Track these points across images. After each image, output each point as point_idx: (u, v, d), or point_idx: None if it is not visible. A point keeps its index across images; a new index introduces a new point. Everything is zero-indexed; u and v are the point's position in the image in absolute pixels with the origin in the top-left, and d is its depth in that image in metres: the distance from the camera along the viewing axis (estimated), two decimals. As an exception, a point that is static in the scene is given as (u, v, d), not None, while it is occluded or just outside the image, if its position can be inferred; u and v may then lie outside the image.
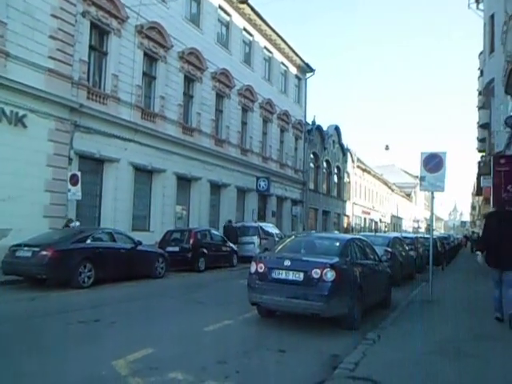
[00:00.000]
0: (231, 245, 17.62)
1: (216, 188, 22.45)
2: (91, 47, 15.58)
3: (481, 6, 25.42)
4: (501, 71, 14.57)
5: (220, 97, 22.81)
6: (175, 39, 19.05)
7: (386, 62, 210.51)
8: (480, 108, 32.39)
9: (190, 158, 20.07)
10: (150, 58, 18.19)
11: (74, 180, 13.45)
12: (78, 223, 16.27)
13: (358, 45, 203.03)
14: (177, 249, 14.97)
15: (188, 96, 20.50)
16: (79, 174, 13.61)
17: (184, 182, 20.14)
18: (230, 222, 20.23)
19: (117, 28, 16.18)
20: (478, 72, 32.36)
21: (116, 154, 16.17)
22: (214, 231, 17.46)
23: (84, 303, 8.77)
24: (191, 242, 15.15)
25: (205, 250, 15.40)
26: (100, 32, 16.00)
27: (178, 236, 15.84)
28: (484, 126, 31.19)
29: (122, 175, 16.42)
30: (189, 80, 20.44)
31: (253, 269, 7.19)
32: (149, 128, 17.61)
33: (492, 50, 20.25)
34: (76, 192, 13.46)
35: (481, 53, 28.17)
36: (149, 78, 18.28)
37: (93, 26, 15.45)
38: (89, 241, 11.10)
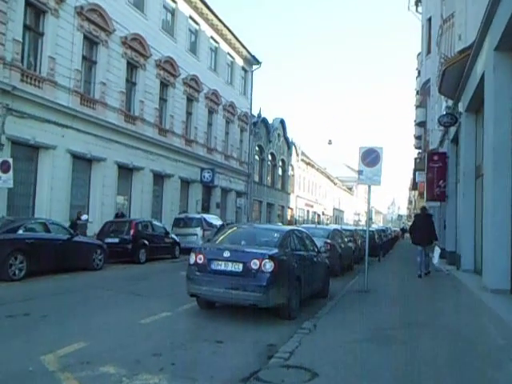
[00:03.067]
0: (174, 236, 17.40)
1: (159, 178, 22.04)
2: (26, 27, 14.70)
3: (420, 9, 26.54)
4: (436, 72, 15.27)
5: (164, 85, 22.33)
6: (118, 23, 18.40)
7: (328, 60, 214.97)
8: (417, 107, 33.93)
9: (132, 147, 19.54)
10: (91, 42, 17.46)
11: (4, 167, 12.68)
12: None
13: (304, 41, 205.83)
14: (116, 240, 14.56)
15: (131, 83, 19.90)
16: (11, 160, 12.84)
17: (126, 172, 19.59)
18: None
19: (54, 8, 15.36)
20: (416, 72, 33.79)
21: (52, 141, 15.42)
22: (155, 222, 17.15)
23: (14, 296, 8.33)
24: (132, 233, 14.79)
25: (146, 242, 15.08)
26: (36, 11, 15.13)
27: (118, 227, 15.42)
28: (420, 124, 32.74)
29: (58, 163, 15.70)
30: (132, 66, 19.85)
31: (192, 260, 7.13)
32: (88, 115, 16.94)
33: (429, 51, 21.20)
34: (7, 180, 12.72)
35: (419, 54, 29.43)
36: (89, 62, 17.56)
37: (28, 4, 14.58)
38: (20, 231, 10.53)
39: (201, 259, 7.04)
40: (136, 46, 19.61)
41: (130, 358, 4.81)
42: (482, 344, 5.41)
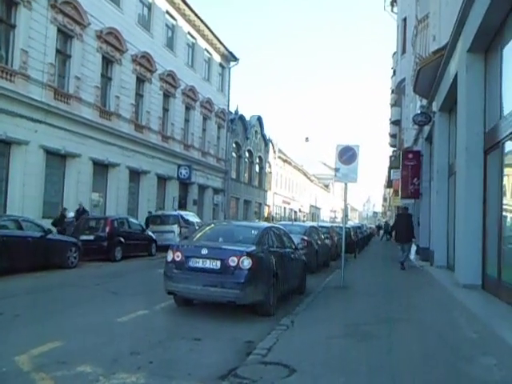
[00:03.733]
0: (150, 233, 17.25)
1: (135, 175, 21.79)
2: (-3, 18, 14.30)
3: (395, 9, 26.93)
4: (411, 72, 15.53)
5: (141, 81, 22.06)
6: (93, 17, 18.07)
7: (305, 59, 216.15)
8: (392, 105, 34.45)
9: (107, 143, 19.25)
10: (65, 35, 17.10)
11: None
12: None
13: (281, 40, 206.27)
14: (91, 237, 14.33)
15: (106, 78, 19.59)
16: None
17: (101, 168, 19.30)
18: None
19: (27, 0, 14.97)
20: (392, 71, 34.28)
21: (25, 136, 15.07)
22: (132, 219, 16.95)
23: (-16, 296, 8.11)
24: (107, 230, 14.58)
25: (122, 239, 14.90)
26: (7, 3, 14.75)
27: (93, 224, 15.18)
28: (395, 122, 33.27)
29: (31, 159, 15.35)
30: (107, 61, 19.53)
31: (169, 257, 7.09)
32: (62, 110, 16.61)
33: (404, 51, 21.54)
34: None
35: (394, 53, 29.87)
36: (63, 56, 17.20)
37: (-2, -5, 14.18)
38: (-9, 229, 10.27)
39: (178, 256, 7.01)
40: (112, 40, 19.30)
41: (106, 357, 4.75)
42: (454, 338, 5.55)
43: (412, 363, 4.69)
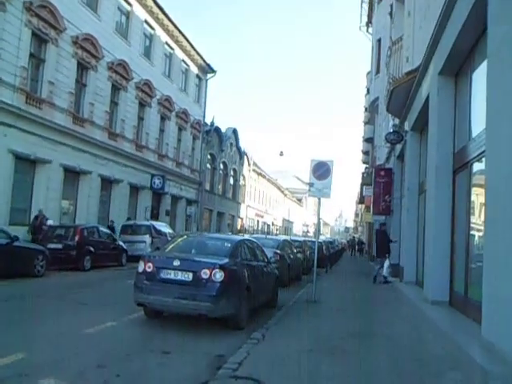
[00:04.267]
0: (121, 243, 16.96)
1: (107, 183, 21.43)
2: (-31, 19, 13.96)
3: (370, 29, 27.67)
4: (384, 91, 15.92)
5: (116, 88, 21.84)
6: (69, 22, 17.83)
7: (282, 75, 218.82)
8: (366, 123, 35.16)
9: (79, 149, 18.90)
10: (39, 39, 16.80)
11: None
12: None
13: (259, 55, 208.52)
14: (60, 246, 13.97)
15: (81, 84, 19.31)
16: None
17: (72, 175, 18.90)
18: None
19: (1, 1, 14.67)
20: (366, 90, 35.05)
21: (-7, 140, 14.64)
22: (102, 228, 16.63)
23: None
24: (76, 238, 14.25)
25: (91, 248, 14.59)
26: (-19, 3, 14.40)
27: (62, 232, 14.82)
28: (368, 140, 33.93)
29: (-1, 163, 14.90)
30: (82, 67, 19.27)
31: (140, 268, 6.97)
32: (34, 114, 16.24)
33: (378, 71, 22.09)
34: None
35: (368, 72, 30.59)
36: (37, 60, 16.88)
37: (-28, -5, 13.86)
38: (-46, 235, 9.89)
39: (150, 267, 6.90)
40: (88, 46, 19.08)
41: (72, 370, 4.62)
42: (422, 353, 5.63)
43: (381, 378, 4.73)
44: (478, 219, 6.81)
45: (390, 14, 17.67)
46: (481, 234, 6.30)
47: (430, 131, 9.22)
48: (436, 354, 5.61)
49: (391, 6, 17.25)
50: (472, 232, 7.04)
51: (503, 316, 4.50)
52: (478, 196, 6.89)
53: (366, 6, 28.14)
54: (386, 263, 14.20)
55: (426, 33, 8.97)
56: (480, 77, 6.39)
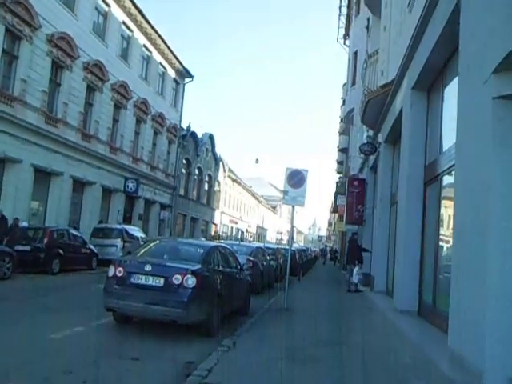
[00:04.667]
0: (91, 247, 16.64)
1: (79, 185, 21.03)
2: None
3: (347, 42, 28.17)
4: (359, 103, 16.20)
5: (91, 89, 21.52)
6: (44, 20, 17.51)
7: (260, 83, 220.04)
8: (341, 133, 35.69)
9: (51, 150, 18.50)
10: (13, 36, 16.43)
11: None
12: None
13: (238, 62, 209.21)
14: (28, 248, 13.60)
15: (55, 83, 18.95)
16: None
17: (43, 176, 18.47)
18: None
19: (-25, -4, 14.34)
20: (342, 101, 35.60)
21: (-39, 138, 14.20)
22: (72, 231, 16.28)
23: None
24: (45, 241, 13.91)
25: (60, 251, 14.26)
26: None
27: (30, 234, 14.45)
28: (343, 150, 34.44)
29: (-35, 162, 14.46)
30: (57, 66, 18.92)
31: (111, 272, 6.87)
32: (5, 112, 15.83)
33: (354, 82, 22.47)
34: None
35: (344, 84, 31.09)
36: (9, 56, 16.49)
37: None
38: None
39: (120, 272, 6.81)
40: (63, 45, 18.76)
41: (37, 376, 4.51)
42: (390, 362, 5.72)
43: (350, 387, 4.77)
44: (446, 231, 6.98)
45: (367, 27, 18.04)
46: (449, 245, 6.46)
47: (403, 144, 9.42)
48: (404, 362, 5.70)
49: (368, 19, 17.62)
50: (441, 243, 7.20)
51: (469, 326, 4.61)
52: (446, 208, 7.06)
53: (343, 19, 28.64)
54: (355, 270, 14.38)
55: (401, 48, 9.19)
56: (451, 93, 6.57)
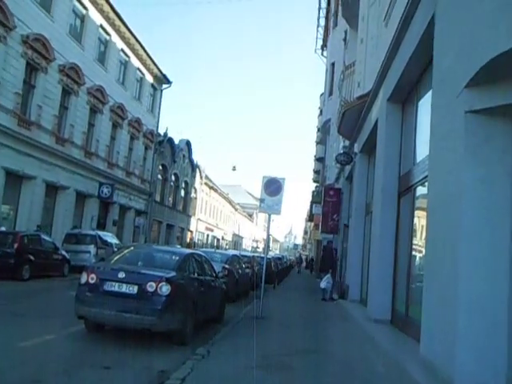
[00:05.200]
0: (63, 253, 16.28)
1: (52, 190, 20.58)
2: None
3: (325, 53, 28.56)
4: (336, 113, 16.42)
5: (67, 93, 21.18)
6: (20, 20, 17.18)
7: (238, 91, 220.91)
8: (318, 143, 36.04)
9: (24, 153, 18.07)
10: (-13, 36, 16.07)
11: None
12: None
13: (215, 71, 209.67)
14: (-4, 253, 13.21)
15: (29, 85, 18.57)
16: None
17: (14, 179, 18.01)
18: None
19: None
20: (319, 111, 36.00)
21: None
22: (44, 236, 15.91)
23: None
24: (15, 246, 13.53)
25: (31, 257, 13.90)
26: None
27: (-1, 239, 14.04)
28: (320, 159, 34.76)
29: None
30: (32, 68, 18.56)
31: (83, 279, 6.73)
32: (-24, 114, 15.44)
33: (331, 93, 22.78)
34: None
35: (322, 94, 31.47)
36: (-17, 57, 16.11)
37: None
38: None
39: (93, 279, 6.67)
40: (38, 47, 18.43)
41: (3, 386, 4.36)
42: (364, 371, 5.77)
43: (323, 395, 4.79)
44: (419, 241, 7.11)
45: (344, 39, 18.36)
46: (422, 255, 6.58)
47: (378, 154, 9.58)
48: (377, 371, 5.75)
49: (345, 32, 17.94)
50: (414, 253, 7.34)
51: (440, 335, 4.70)
52: (419, 218, 7.21)
53: (321, 30, 29.06)
54: (325, 277, 14.51)
55: (377, 60, 9.38)
56: (425, 106, 6.74)
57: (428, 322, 5.15)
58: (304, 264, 52.85)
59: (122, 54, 26.47)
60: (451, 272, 4.50)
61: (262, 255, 22.26)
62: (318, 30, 29.37)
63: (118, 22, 24.67)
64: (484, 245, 4.27)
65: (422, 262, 6.58)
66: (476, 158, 4.39)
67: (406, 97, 8.40)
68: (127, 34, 25.94)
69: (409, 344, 6.33)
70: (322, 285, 14.42)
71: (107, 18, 23.87)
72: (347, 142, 15.59)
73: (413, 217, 7.48)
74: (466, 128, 4.45)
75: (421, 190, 7.06)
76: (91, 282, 6.66)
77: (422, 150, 6.74)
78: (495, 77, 4.18)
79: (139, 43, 27.32)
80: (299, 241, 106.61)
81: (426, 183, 6.01)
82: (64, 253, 16.33)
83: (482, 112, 4.38)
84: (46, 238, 16.06)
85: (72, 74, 21.02)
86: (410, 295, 7.17)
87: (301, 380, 5.26)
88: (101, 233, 19.98)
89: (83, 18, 22.21)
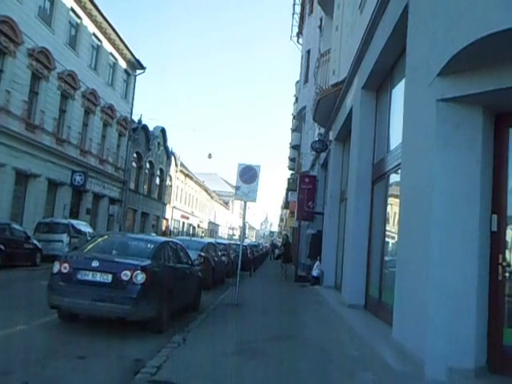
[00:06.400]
0: (35, 242, 15.93)
1: (23, 178, 20.04)
2: None
3: (301, 40, 28.50)
4: (311, 101, 16.46)
5: (37, 77, 20.53)
6: (-14, 3, 16.53)
7: (213, 79, 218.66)
8: (293, 130, 36.12)
9: (-8, 140, 17.53)
10: (-49, 18, 15.39)
11: None
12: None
13: (190, 59, 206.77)
14: (-36, 243, 12.85)
15: (-3, 70, 17.94)
16: None
17: (-18, 168, 17.48)
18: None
19: None
20: (294, 98, 36.01)
21: None
22: (14, 225, 15.52)
23: None
24: (-16, 236, 13.18)
25: (1, 246, 13.56)
26: None
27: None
28: (295, 147, 34.86)
29: None
30: (-1, 52, 17.93)
31: (56, 269, 6.61)
32: None
33: (306, 80, 22.80)
34: None
35: (297, 81, 31.46)
36: None
37: None
38: None
39: (66, 268, 6.56)
40: (6, 30, 17.75)
41: (-27, 379, 4.27)
42: (338, 355, 5.88)
43: (299, 379, 4.86)
44: (392, 227, 7.25)
45: (320, 26, 18.34)
46: (395, 241, 6.71)
47: (352, 142, 9.67)
48: (351, 355, 5.87)
49: (321, 19, 17.90)
50: (387, 239, 7.47)
51: (411, 319, 4.82)
52: (393, 205, 7.33)
53: (297, 17, 28.95)
54: (316, 264, 14.68)
55: (352, 48, 9.42)
56: (398, 94, 6.82)
57: (400, 307, 5.27)
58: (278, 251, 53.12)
59: (93, 38, 25.77)
60: (423, 258, 4.60)
61: (238, 243, 22.36)
62: (293, 17, 29.25)
63: (89, 5, 23.97)
64: (454, 231, 4.38)
65: (394, 248, 6.71)
66: (447, 145, 4.47)
67: (380, 85, 8.47)
68: (99, 18, 25.24)
69: (382, 328, 6.47)
70: (315, 273, 14.56)
71: (78, 1, 23.16)
72: (322, 130, 15.66)
73: (386, 204, 7.60)
74: (437, 116, 4.52)
75: (394, 178, 7.16)
76: (64, 271, 6.55)
77: (396, 137, 6.83)
78: (466, 66, 4.25)
79: (111, 27, 26.63)
80: (275, 228, 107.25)
81: (399, 170, 6.11)
82: (36, 242, 15.99)
83: (452, 100, 4.46)
84: (17, 226, 15.68)
85: (42, 59, 20.38)
86: (383, 281, 7.32)
87: (276, 365, 5.32)
88: (74, 221, 19.63)
89: (53, 1, 21.49)
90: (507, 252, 4.41)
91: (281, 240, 67.02)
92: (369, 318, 7.58)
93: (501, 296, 4.36)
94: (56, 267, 6.64)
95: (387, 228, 7.49)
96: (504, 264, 4.36)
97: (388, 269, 7.12)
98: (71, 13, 23.07)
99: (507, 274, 4.38)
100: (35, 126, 20.49)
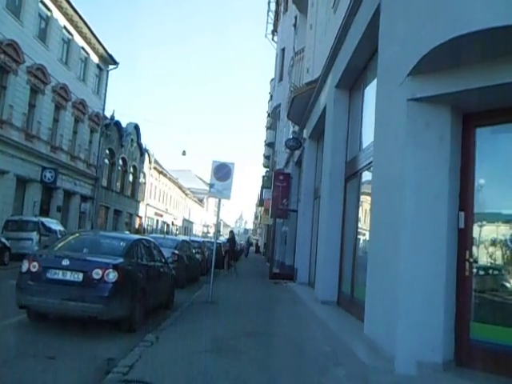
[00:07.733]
0: (3, 240, 15.49)
1: (-11, 174, 19.47)
2: None
3: (276, 38, 28.56)
4: (286, 98, 16.53)
5: (4, 71, 19.92)
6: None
7: (188, 75, 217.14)
8: (268, 128, 36.22)
9: (-43, 135, 16.95)
10: None
11: None
12: None
13: (164, 54, 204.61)
14: None
15: (-38, 63, 17.36)
16: None
17: None
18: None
19: None
20: (269, 96, 36.07)
21: None
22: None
23: None
24: (-51, 235, 12.74)
25: (-33, 245, 13.16)
26: None
27: None
28: (270, 144, 34.96)
29: None
30: (-35, 45, 17.33)
31: (24, 268, 6.46)
32: None
33: (281, 78, 22.88)
34: None
35: (272, 79, 31.52)
36: None
37: None
38: None
39: (35, 267, 6.42)
40: (-28, 22, 17.22)
41: None
42: (311, 351, 5.95)
43: (272, 375, 4.89)
44: (364, 224, 7.36)
45: (294, 25, 18.42)
46: (366, 238, 6.81)
47: (326, 140, 9.76)
48: (323, 351, 5.94)
49: (295, 17, 17.98)
50: (359, 236, 7.58)
51: (382, 315, 4.91)
52: (365, 203, 7.44)
53: (272, 15, 28.97)
54: None
55: (326, 47, 9.50)
56: (371, 92, 6.91)
57: (371, 303, 5.36)
58: (254, 248, 53.37)
59: (64, 31, 25.17)
60: (393, 255, 4.69)
61: (213, 240, 22.27)
62: (268, 15, 29.25)
63: (59, -2, 23.40)
64: (423, 229, 4.48)
65: (366, 244, 6.81)
66: (417, 144, 4.56)
67: (353, 83, 8.57)
68: (70, 11, 24.64)
69: (354, 324, 6.57)
70: None
71: (48, -7, 22.59)
72: (297, 128, 15.75)
73: (359, 201, 7.71)
74: (407, 115, 4.61)
75: (366, 176, 7.26)
76: (33, 270, 6.41)
77: (368, 136, 6.92)
78: (435, 67, 4.35)
79: (83, 21, 26.04)
80: (250, 226, 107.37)
81: (372, 168, 6.20)
82: (4, 240, 15.55)
83: (422, 100, 4.55)
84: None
85: (10, 52, 19.77)
86: (355, 277, 7.42)
87: (250, 362, 5.34)
88: (44, 219, 19.17)
89: (21, -8, 20.88)
90: (474, 248, 4.54)
91: (257, 238, 67.22)
92: (341, 313, 7.68)
93: (468, 291, 4.48)
94: (25, 266, 6.49)
95: (359, 225, 7.60)
96: (471, 260, 4.49)
97: (360, 265, 7.22)
98: (41, 4, 22.45)
99: (474, 270, 4.50)
100: (3, 121, 19.89)
